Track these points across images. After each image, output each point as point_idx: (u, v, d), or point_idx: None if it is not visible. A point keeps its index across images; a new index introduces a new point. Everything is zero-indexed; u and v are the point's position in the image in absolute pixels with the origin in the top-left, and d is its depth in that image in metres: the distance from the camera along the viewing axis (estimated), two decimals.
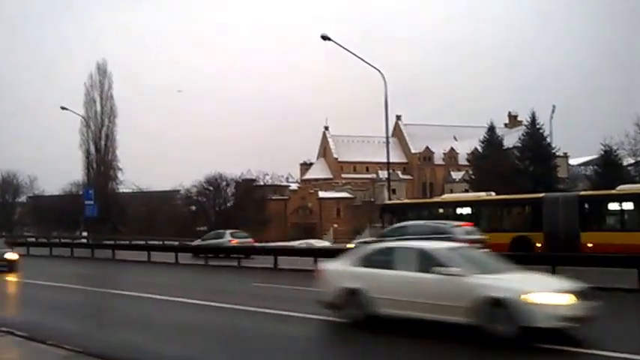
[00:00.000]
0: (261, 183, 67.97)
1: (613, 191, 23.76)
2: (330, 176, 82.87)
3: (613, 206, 22.99)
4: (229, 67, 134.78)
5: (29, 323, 9.87)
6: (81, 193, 52.18)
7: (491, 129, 55.87)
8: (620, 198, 22.62)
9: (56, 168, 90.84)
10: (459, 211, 25.94)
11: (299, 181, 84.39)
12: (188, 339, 9.11)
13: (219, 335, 9.49)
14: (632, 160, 44.61)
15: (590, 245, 20.63)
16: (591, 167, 50.83)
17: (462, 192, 57.20)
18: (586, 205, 23.42)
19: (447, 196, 31.55)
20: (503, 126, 69.50)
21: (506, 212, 25.78)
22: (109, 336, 9.31)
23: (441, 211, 26.61)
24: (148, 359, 7.87)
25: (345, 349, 8.86)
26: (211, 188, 60.12)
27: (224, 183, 60.87)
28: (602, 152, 44.59)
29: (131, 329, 10.02)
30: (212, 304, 12.34)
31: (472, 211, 25.81)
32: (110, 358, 7.45)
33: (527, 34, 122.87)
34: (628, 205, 22.18)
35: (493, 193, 26.97)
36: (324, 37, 31.04)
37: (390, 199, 37.65)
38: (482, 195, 27.22)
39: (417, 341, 8.55)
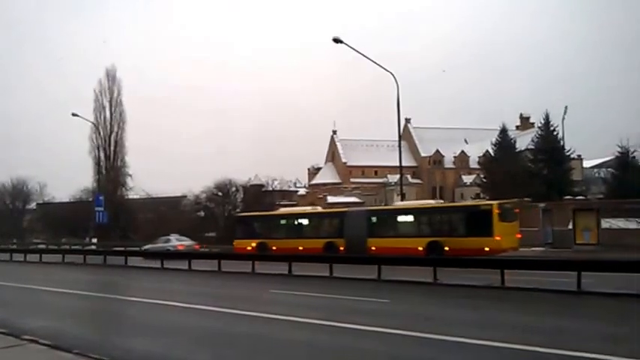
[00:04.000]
0: (270, 188, 67.60)
1: (389, 206, 32.08)
2: (339, 181, 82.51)
3: (389, 218, 28.55)
4: (239, 71, 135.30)
5: (48, 329, 9.64)
6: (90, 199, 52.18)
7: (503, 131, 55.16)
8: (394, 212, 29.37)
9: (66, 175, 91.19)
10: (296, 221, 31.46)
11: (307, 186, 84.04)
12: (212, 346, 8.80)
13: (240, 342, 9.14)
14: None
15: (373, 248, 26.06)
16: (605, 169, 49.99)
17: (474, 195, 56.74)
18: (371, 218, 28.96)
19: (284, 210, 35.66)
20: (515, 128, 68.80)
21: (323, 223, 31.12)
22: (129, 344, 9.09)
23: (283, 222, 32.14)
24: None
25: None
26: (220, 194, 59.75)
27: (233, 189, 60.49)
28: (619, 154, 43.80)
29: (150, 336, 9.78)
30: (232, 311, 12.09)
31: (304, 221, 31.25)
32: None
33: (538, 35, 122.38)
34: (401, 218, 27.81)
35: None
36: (336, 40, 30.84)
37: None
38: (318, 208, 34.22)
39: None
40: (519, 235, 25.76)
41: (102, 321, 12.42)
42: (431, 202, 31.67)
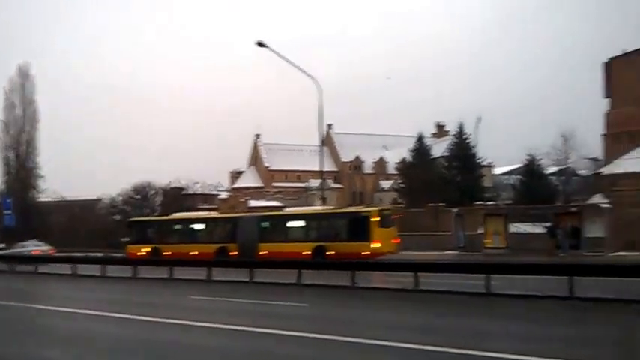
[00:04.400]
0: (191, 192, 66.15)
1: (279, 212, 32.51)
2: (261, 185, 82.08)
3: (279, 223, 29.26)
4: (161, 73, 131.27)
5: None
6: None
7: (420, 139, 57.24)
8: (283, 217, 29.94)
9: None
10: (190, 226, 31.92)
11: (229, 189, 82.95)
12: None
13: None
14: (554, 169, 47.12)
15: (263, 252, 26.79)
16: (514, 176, 53.14)
17: (391, 201, 58.33)
18: (262, 223, 29.66)
19: (178, 215, 35.09)
20: (431, 136, 71.53)
21: (216, 228, 31.51)
22: (38, 354, 8.62)
23: (176, 227, 32.52)
24: None
25: None
26: (138, 197, 57.68)
27: (152, 192, 58.62)
28: (526, 162, 46.73)
29: (60, 346, 9.26)
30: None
31: (198, 226, 31.84)
32: None
33: (451, 45, 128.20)
34: (290, 223, 28.74)
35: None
36: (260, 44, 30.72)
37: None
38: (212, 214, 35.12)
39: None
40: (397, 240, 27.49)
41: (6, 331, 11.52)
42: (317, 209, 32.79)
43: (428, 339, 8.79)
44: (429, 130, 72.36)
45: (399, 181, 59.60)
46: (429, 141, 60.52)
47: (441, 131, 76.99)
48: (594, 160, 51.15)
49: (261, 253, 27.10)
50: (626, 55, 58.42)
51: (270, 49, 30.65)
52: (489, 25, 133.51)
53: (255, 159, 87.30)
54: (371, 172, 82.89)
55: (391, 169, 75.04)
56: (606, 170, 43.83)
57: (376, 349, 8.39)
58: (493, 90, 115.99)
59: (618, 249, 28.35)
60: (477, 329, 10.16)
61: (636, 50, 56.99)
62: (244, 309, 13.72)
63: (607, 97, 60.02)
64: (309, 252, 26.01)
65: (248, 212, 39.28)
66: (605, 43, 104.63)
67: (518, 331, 9.87)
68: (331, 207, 34.42)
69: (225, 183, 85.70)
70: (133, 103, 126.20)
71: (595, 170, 47.56)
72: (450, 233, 33.98)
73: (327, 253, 25.82)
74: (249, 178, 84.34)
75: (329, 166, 74.46)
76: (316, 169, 43.95)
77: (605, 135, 58.69)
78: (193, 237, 30.94)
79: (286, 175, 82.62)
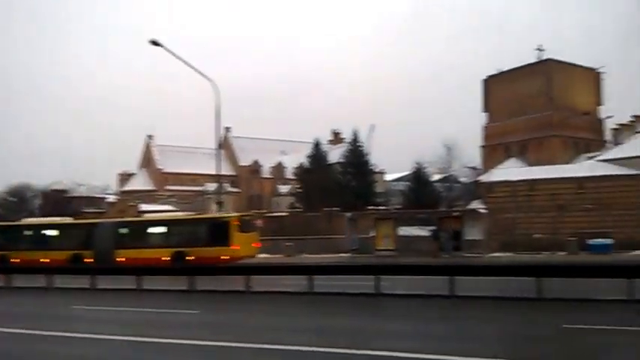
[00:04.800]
0: (75, 194, 62.19)
1: (138, 218, 32.51)
2: (153, 188, 78.92)
3: (137, 229, 28.90)
4: (49, 68, 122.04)
5: None
6: None
7: (317, 145, 58.26)
8: (142, 223, 29.65)
9: None
10: (41, 232, 31.02)
11: (118, 192, 78.89)
12: None
13: None
14: (439, 177, 50.23)
15: (120, 259, 26.80)
16: (403, 183, 55.78)
17: (288, 205, 58.76)
18: (120, 229, 29.26)
19: (29, 220, 34.61)
20: (327, 142, 73.00)
21: (71, 234, 30.43)
22: None
23: (27, 233, 31.57)
24: None
25: None
26: (14, 199, 53.20)
27: (31, 194, 54.34)
28: (414, 169, 49.32)
29: None
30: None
31: (51, 232, 30.77)
32: None
33: (347, 56, 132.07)
34: (148, 229, 28.54)
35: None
36: (154, 43, 29.62)
37: (219, 211, 36.98)
38: (66, 220, 32.95)
39: None
40: (258, 244, 28.33)
41: None
42: (178, 214, 33.04)
43: (318, 341, 8.97)
44: (325, 137, 73.97)
45: (297, 186, 60.17)
46: (325, 147, 61.71)
47: (336, 138, 78.83)
48: (474, 168, 55.32)
49: (118, 259, 26.88)
50: (501, 73, 63.87)
51: (165, 49, 29.66)
52: (381, 40, 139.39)
53: (148, 161, 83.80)
54: (269, 176, 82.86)
55: (289, 174, 75.55)
56: (484, 178, 47.30)
57: (266, 353, 8.42)
58: (386, 101, 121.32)
59: (494, 250, 30.76)
60: (365, 329, 10.52)
61: (510, 70, 62.47)
62: (130, 318, 13.14)
63: (485, 111, 65.20)
64: (168, 258, 26.06)
65: (136, 216, 37.61)
66: (487, 61, 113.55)
67: (403, 330, 10.37)
68: (191, 213, 34.23)
69: (115, 186, 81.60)
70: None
71: (475, 178, 51.29)
72: (344, 236, 34.88)
73: (187, 258, 25.92)
74: (140, 181, 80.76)
75: (226, 170, 73.42)
76: (213, 172, 43.13)
77: (483, 146, 63.70)
78: (44, 243, 29.80)
79: (181, 178, 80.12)
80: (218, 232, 26.32)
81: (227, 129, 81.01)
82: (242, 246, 25.90)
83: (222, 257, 24.69)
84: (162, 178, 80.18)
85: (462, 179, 53.89)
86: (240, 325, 11.52)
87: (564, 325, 10.01)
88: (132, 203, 69.67)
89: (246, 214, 30.12)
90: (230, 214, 28.80)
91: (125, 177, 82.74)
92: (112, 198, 74.75)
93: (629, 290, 12.58)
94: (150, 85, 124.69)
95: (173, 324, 11.95)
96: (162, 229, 28.50)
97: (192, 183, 77.43)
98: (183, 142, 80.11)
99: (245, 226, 27.09)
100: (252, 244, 27.41)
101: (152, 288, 18.14)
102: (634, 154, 41.87)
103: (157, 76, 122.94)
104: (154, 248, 26.82)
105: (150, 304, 15.10)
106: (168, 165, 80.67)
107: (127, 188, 79.11)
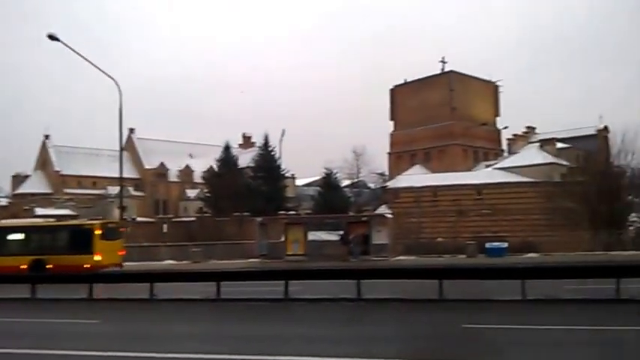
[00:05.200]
0: None
1: None
2: (50, 191, 73.95)
3: None
4: None
5: None
6: None
7: (227, 148, 57.53)
8: (1, 231, 28.11)
9: None
10: None
11: (10, 195, 73.12)
12: None
13: None
14: (348, 182, 51.41)
15: None
16: (314, 188, 56.45)
17: (196, 210, 57.39)
18: None
19: None
20: (237, 146, 72.23)
21: None
22: None
23: None
24: None
25: None
26: None
27: None
28: (325, 174, 50.08)
29: None
30: None
31: None
32: None
33: (261, 59, 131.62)
34: (5, 237, 27.18)
35: None
36: (52, 37, 27.95)
37: (121, 216, 35.38)
38: None
39: None
40: (123, 252, 27.70)
41: None
42: (37, 221, 31.80)
43: (226, 348, 8.79)
44: (235, 141, 73.19)
45: (205, 190, 58.98)
46: (235, 151, 61.07)
47: (247, 142, 78.24)
48: (382, 174, 57.23)
49: None
50: (407, 84, 66.71)
51: (64, 44, 28.04)
52: (295, 44, 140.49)
53: (44, 162, 78.42)
54: (176, 180, 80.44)
55: (197, 178, 73.84)
56: (390, 184, 49.11)
57: None
58: (298, 106, 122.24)
59: (399, 254, 31.90)
60: (272, 334, 10.47)
61: (415, 80, 65.40)
62: (25, 330, 12.17)
63: (392, 119, 67.70)
64: (26, 266, 24.92)
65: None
66: (399, 71, 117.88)
67: (311, 334, 10.42)
68: (52, 220, 32.12)
69: (8, 188, 75.64)
70: None
71: (382, 184, 53.05)
72: (254, 242, 34.63)
73: (47, 266, 24.86)
74: (35, 183, 75.36)
75: (130, 173, 70.45)
76: (115, 175, 41.19)
77: (390, 153, 66.06)
78: None
79: (80, 180, 75.74)
80: (80, 239, 25.54)
81: (131, 130, 77.88)
82: (105, 254, 25.20)
83: (84, 266, 23.87)
84: (60, 180, 75.33)
85: (371, 185, 55.54)
86: (141, 335, 11.03)
87: (464, 325, 10.50)
88: (27, 207, 64.89)
89: (110, 221, 29.19)
90: (93, 222, 27.57)
91: (20, 179, 76.94)
92: (3, 201, 69.17)
93: (522, 291, 13.46)
94: (52, 83, 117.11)
95: (70, 334, 11.24)
96: (20, 236, 27.22)
97: (93, 186, 73.57)
98: (89, 144, 76.00)
99: (109, 233, 26.37)
100: (118, 252, 26.71)
101: (48, 297, 16.98)
102: (527, 163, 45.30)
103: (59, 75, 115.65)
104: (12, 256, 25.41)
105: (46, 315, 14.13)
106: (67, 167, 75.96)
107: (20, 191, 73.60)
